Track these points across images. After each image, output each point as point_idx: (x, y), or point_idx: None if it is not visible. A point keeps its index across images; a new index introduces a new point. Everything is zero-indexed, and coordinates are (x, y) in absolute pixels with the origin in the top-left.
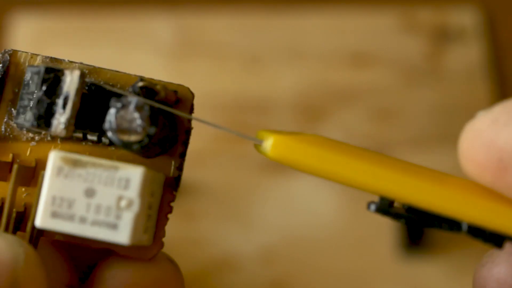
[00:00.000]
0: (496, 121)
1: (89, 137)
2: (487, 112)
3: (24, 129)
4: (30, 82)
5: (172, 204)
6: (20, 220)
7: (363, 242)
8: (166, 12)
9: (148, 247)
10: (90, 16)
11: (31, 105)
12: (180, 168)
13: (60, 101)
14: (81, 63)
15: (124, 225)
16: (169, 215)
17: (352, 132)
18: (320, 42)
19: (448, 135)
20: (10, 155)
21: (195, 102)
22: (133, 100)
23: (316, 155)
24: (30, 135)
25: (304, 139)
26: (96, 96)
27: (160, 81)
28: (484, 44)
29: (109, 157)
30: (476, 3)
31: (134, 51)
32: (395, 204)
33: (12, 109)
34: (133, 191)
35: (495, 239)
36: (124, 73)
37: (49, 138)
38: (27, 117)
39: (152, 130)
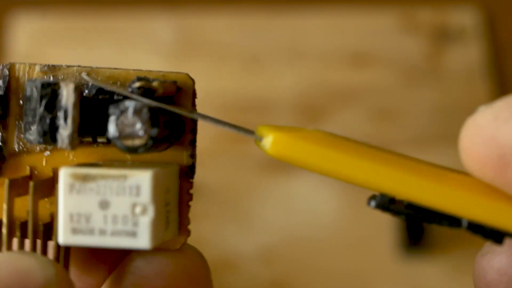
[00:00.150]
0: (497, 117)
1: (99, 139)
2: (488, 107)
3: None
4: (31, 97)
5: (191, 191)
6: (50, 230)
7: (363, 242)
8: (166, 12)
9: (175, 238)
10: (90, 16)
11: (34, 122)
12: (192, 155)
13: (61, 115)
14: (78, 66)
15: (142, 231)
16: (190, 202)
17: (352, 132)
18: (320, 42)
19: (448, 135)
20: (27, 168)
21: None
22: (131, 104)
23: (316, 152)
24: (43, 146)
25: (304, 136)
26: (98, 98)
27: (158, 72)
28: (484, 44)
29: (123, 156)
30: (476, 3)
31: (134, 51)
32: (395, 200)
33: (21, 122)
34: (145, 197)
35: (495, 236)
36: (122, 69)
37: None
38: (33, 134)
39: (154, 131)
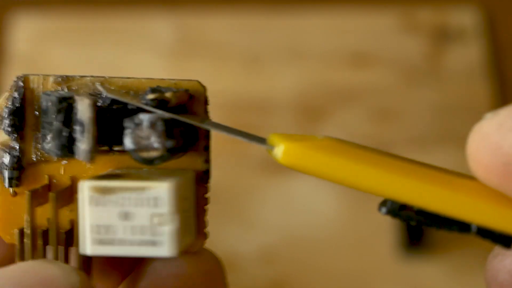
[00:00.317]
0: (501, 126)
1: (115, 148)
2: (494, 115)
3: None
4: (48, 110)
5: (206, 195)
6: (70, 237)
7: (363, 242)
8: (166, 12)
9: (193, 241)
10: (90, 16)
11: (52, 135)
12: (207, 160)
13: (78, 128)
14: (91, 76)
15: (165, 240)
16: (206, 206)
17: (352, 132)
18: (320, 42)
19: (448, 135)
20: (46, 177)
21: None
22: (145, 117)
23: (327, 162)
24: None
25: (315, 145)
26: (113, 108)
27: (170, 80)
28: (484, 44)
29: (136, 163)
30: (476, 3)
31: (134, 51)
32: (406, 207)
33: (38, 133)
34: (164, 207)
35: (504, 240)
36: (135, 78)
37: None
38: (51, 147)
39: (170, 143)
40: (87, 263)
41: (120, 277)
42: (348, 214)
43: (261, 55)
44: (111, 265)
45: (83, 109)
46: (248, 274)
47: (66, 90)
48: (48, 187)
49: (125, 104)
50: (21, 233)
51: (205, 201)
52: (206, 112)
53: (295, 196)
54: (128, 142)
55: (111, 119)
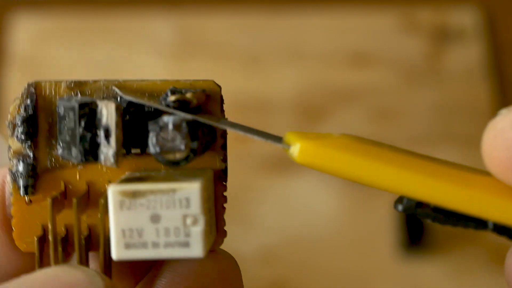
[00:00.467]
0: None
1: (133, 151)
2: (508, 111)
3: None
4: (66, 116)
5: (225, 193)
6: (88, 242)
7: (363, 242)
8: (166, 12)
9: (214, 239)
10: (90, 16)
11: (74, 142)
12: (224, 159)
13: (101, 133)
14: (105, 80)
15: (195, 241)
16: (225, 204)
17: (352, 132)
18: (320, 42)
19: (448, 135)
20: (62, 183)
21: None
22: (170, 120)
23: (343, 160)
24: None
25: (331, 143)
26: (130, 111)
27: (185, 80)
28: (484, 44)
29: (156, 165)
30: (476, 3)
31: (134, 51)
32: (422, 204)
33: (52, 139)
34: (196, 208)
35: None
36: (149, 80)
37: None
38: (74, 154)
39: (194, 144)
40: (109, 266)
41: (135, 278)
42: (348, 214)
43: (261, 55)
44: (129, 267)
45: (109, 114)
46: (248, 274)
47: (79, 95)
48: (64, 193)
49: (142, 106)
50: (40, 240)
51: (224, 199)
52: (222, 111)
53: (295, 196)
54: (153, 145)
55: (130, 122)
